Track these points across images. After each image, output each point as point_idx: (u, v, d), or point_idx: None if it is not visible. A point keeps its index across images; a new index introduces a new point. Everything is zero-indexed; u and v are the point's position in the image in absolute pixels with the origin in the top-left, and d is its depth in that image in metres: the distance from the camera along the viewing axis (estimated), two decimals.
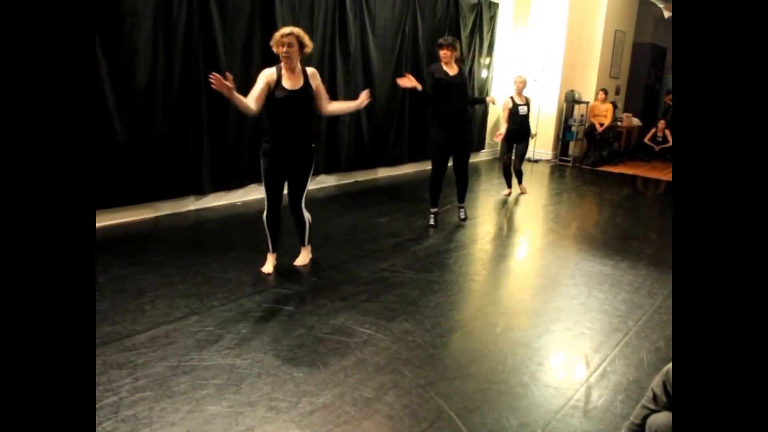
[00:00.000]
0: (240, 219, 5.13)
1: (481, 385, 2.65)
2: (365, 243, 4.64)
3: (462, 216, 5.56)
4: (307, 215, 3.89)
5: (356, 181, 7.10)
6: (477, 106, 8.98)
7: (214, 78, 3.12)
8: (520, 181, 7.12)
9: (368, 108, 6.98)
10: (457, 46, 5.06)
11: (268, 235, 3.83)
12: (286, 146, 3.63)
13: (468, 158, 5.44)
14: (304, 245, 4.02)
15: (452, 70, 5.04)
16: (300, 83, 3.57)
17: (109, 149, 4.46)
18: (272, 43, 3.51)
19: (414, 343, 3.00)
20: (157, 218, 4.92)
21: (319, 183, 6.64)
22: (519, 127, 6.81)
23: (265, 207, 3.75)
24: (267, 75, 3.52)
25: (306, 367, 2.69)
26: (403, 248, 4.59)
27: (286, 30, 3.49)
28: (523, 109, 6.80)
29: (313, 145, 3.77)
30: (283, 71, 3.54)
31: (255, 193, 5.73)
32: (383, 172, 7.54)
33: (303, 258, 4.04)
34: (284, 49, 3.46)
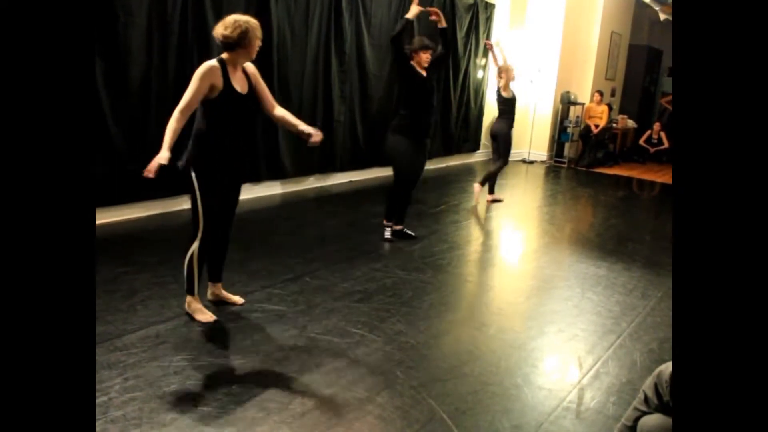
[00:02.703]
0: None
1: (474, 386, 2.64)
2: (359, 243, 4.62)
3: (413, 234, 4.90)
4: None
5: (351, 181, 7.08)
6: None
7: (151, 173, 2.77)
8: (491, 189, 6.51)
9: (363, 108, 7.01)
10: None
11: (202, 272, 3.15)
12: (234, 159, 3.05)
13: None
14: (221, 280, 3.30)
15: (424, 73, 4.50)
16: (246, 85, 2.99)
17: (103, 148, 4.43)
18: (248, 36, 2.85)
19: (407, 344, 2.99)
20: (149, 217, 4.89)
21: (313, 183, 6.62)
22: (507, 110, 6.08)
23: (202, 240, 3.02)
24: (211, 74, 2.84)
25: (298, 368, 2.67)
26: (396, 249, 4.58)
27: (255, 21, 2.92)
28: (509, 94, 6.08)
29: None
30: (230, 69, 2.91)
31: (247, 192, 5.70)
32: (378, 173, 7.52)
33: (232, 295, 3.33)
34: (259, 44, 2.93)
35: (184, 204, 5.20)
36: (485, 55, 9.22)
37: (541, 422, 2.41)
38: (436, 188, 6.87)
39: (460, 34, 8.48)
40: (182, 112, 2.83)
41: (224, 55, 2.92)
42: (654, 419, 1.92)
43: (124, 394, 2.35)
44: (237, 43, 2.85)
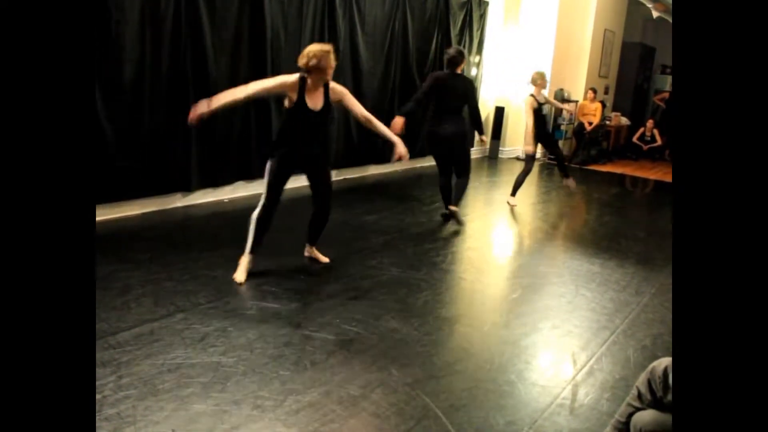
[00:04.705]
0: (227, 216, 5.10)
1: (468, 383, 2.65)
2: (354, 241, 4.62)
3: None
4: None
5: (345, 179, 7.08)
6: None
7: (194, 119, 3.33)
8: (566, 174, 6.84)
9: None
10: None
11: (258, 236, 3.69)
12: (305, 153, 3.75)
13: None
14: (315, 242, 4.11)
15: None
16: (321, 102, 3.57)
17: (96, 146, 4.40)
18: (321, 63, 3.42)
19: (401, 341, 2.99)
20: (143, 215, 4.87)
21: (307, 181, 6.60)
22: (545, 128, 6.35)
23: (261, 209, 3.69)
24: (286, 84, 3.48)
25: (292, 365, 2.67)
26: (391, 246, 4.58)
27: (328, 48, 3.48)
28: (546, 108, 6.31)
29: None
30: (309, 87, 3.50)
31: (242, 190, 5.70)
32: (373, 170, 7.53)
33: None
34: (333, 65, 3.49)
35: (178, 202, 5.20)
36: (479, 52, 9.23)
37: (535, 419, 2.42)
38: (430, 185, 6.86)
39: (454, 32, 8.48)
40: (246, 86, 3.47)
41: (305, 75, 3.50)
42: (647, 415, 1.92)
43: (118, 392, 2.35)
44: (312, 69, 3.44)
